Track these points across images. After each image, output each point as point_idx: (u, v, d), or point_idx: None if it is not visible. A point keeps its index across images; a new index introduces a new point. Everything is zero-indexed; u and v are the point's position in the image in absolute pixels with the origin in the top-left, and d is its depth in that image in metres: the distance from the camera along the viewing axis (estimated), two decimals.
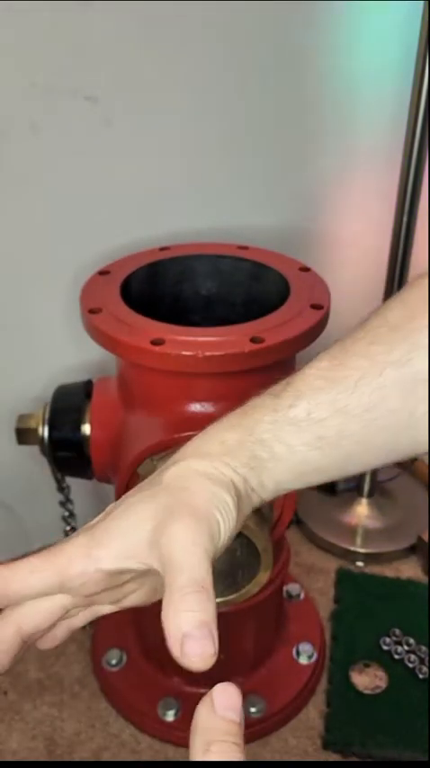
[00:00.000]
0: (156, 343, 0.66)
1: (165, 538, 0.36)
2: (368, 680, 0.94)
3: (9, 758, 0.87)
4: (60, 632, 0.44)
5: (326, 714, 0.91)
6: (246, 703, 0.88)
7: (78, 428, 0.77)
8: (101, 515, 0.43)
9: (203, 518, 0.36)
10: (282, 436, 0.40)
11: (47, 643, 0.44)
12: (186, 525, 0.36)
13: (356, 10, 0.98)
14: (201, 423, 0.69)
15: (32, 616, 0.39)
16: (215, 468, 0.40)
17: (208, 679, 0.92)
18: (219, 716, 0.31)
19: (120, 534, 0.38)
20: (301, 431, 0.40)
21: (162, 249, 0.87)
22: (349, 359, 0.40)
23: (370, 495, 1.23)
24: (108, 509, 0.43)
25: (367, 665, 0.96)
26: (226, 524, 0.38)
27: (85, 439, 0.77)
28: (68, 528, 0.91)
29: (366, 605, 1.05)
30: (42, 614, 0.40)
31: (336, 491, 1.25)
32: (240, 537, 0.78)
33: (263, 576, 0.70)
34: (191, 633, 0.32)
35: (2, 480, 1.02)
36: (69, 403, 0.78)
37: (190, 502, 0.37)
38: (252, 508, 0.44)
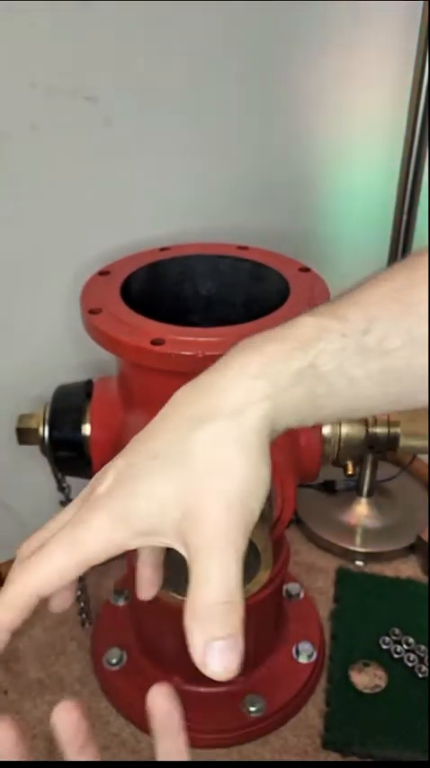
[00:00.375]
0: (156, 343, 0.66)
1: (194, 531, 0.32)
2: (367, 679, 0.94)
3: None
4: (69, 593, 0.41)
5: (325, 713, 0.91)
6: (246, 702, 0.89)
7: (79, 428, 0.77)
8: (111, 477, 0.36)
9: (239, 512, 0.32)
10: (347, 368, 0.34)
11: (59, 607, 0.41)
12: (218, 522, 0.32)
13: (356, 10, 0.98)
14: None
15: (51, 584, 0.37)
16: (256, 434, 0.33)
17: (208, 678, 0.91)
18: None
19: (143, 515, 0.34)
20: (369, 362, 0.34)
21: (162, 249, 0.87)
22: (421, 282, 0.34)
23: (369, 495, 1.23)
24: (119, 467, 0.36)
25: (367, 665, 0.96)
26: (259, 500, 0.34)
27: (85, 439, 0.77)
28: None
29: (366, 604, 1.05)
30: (61, 582, 0.37)
31: (336, 490, 1.25)
32: None
33: (263, 576, 0.70)
34: (215, 646, 0.31)
35: (2, 480, 1.02)
36: (70, 403, 0.79)
37: (225, 490, 0.32)
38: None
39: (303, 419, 0.36)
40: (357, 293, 0.37)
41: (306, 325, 0.36)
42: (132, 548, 0.35)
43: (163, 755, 0.33)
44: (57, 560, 0.35)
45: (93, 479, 0.39)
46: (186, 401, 0.37)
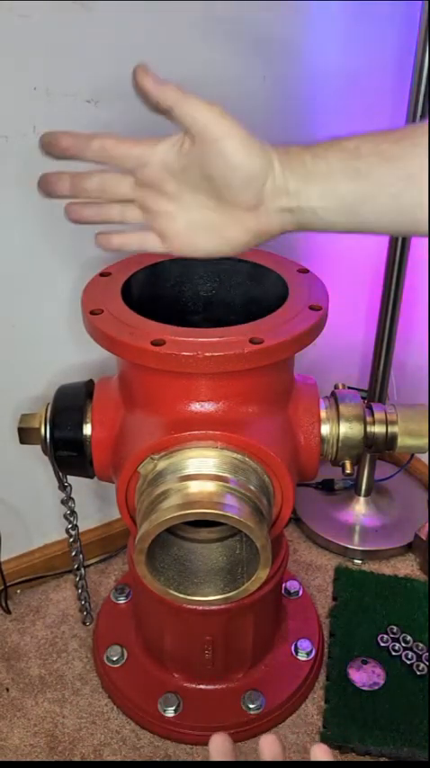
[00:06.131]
0: (156, 343, 0.67)
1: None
2: (366, 676, 0.95)
3: (11, 755, 0.88)
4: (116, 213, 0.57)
5: (324, 710, 0.92)
6: (245, 699, 0.89)
7: (80, 428, 0.78)
8: None
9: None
10: (329, 157, 0.50)
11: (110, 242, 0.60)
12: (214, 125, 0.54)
13: (356, 11, 0.99)
14: (201, 422, 0.71)
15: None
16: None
17: (207, 675, 0.93)
18: None
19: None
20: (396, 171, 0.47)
21: None
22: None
23: (367, 494, 1.24)
24: None
25: (365, 662, 0.97)
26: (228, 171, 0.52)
27: (86, 438, 0.78)
28: (70, 526, 0.92)
29: (364, 602, 1.06)
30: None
31: (335, 489, 1.26)
32: (240, 535, 0.79)
33: (262, 573, 0.71)
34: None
35: (4, 479, 1.03)
36: (71, 403, 0.79)
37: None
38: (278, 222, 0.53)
39: (297, 188, 0.52)
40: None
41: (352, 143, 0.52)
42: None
43: None
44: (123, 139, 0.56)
45: None
46: None
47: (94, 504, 1.13)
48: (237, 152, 0.52)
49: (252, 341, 0.67)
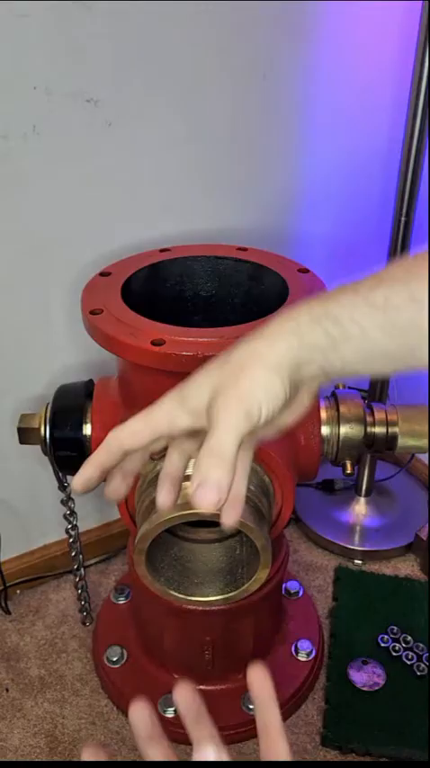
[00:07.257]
0: (156, 343, 0.67)
1: (212, 408, 0.44)
2: (366, 677, 0.95)
3: (11, 755, 0.88)
4: (127, 481, 0.52)
5: (324, 711, 0.91)
6: (246, 700, 0.89)
7: (79, 427, 0.78)
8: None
9: (244, 399, 0.43)
10: (358, 318, 0.44)
11: (115, 492, 0.53)
12: (227, 402, 0.43)
13: (356, 10, 0.99)
14: None
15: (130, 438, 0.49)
16: (276, 352, 0.45)
17: (207, 676, 0.92)
18: None
19: (193, 397, 0.46)
20: (376, 313, 0.43)
21: (162, 251, 0.88)
22: (423, 257, 0.44)
23: (368, 494, 1.24)
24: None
25: (365, 662, 0.96)
26: (268, 405, 0.44)
27: (86, 438, 0.78)
28: (70, 526, 0.92)
29: (364, 603, 1.06)
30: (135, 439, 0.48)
31: (335, 489, 1.26)
32: (240, 535, 0.79)
33: (262, 574, 0.70)
34: (203, 482, 0.41)
35: (4, 479, 1.03)
36: (71, 402, 0.79)
37: (239, 382, 0.44)
38: (319, 385, 0.48)
39: (328, 358, 0.45)
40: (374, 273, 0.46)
41: (335, 289, 0.46)
42: (184, 425, 0.46)
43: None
44: (135, 425, 0.48)
45: None
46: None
47: (94, 504, 1.13)
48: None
49: None
